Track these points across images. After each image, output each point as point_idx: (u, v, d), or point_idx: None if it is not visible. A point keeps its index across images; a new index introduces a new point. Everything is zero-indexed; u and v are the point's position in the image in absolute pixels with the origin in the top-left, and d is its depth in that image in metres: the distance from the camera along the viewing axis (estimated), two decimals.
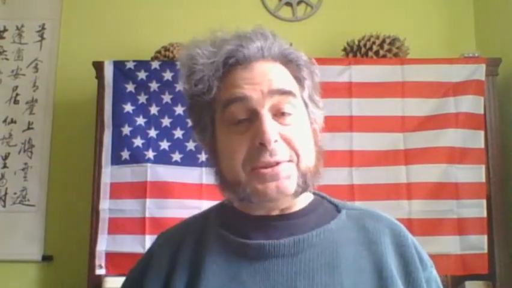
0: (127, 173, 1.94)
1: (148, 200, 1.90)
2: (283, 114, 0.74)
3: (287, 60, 0.79)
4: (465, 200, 1.90)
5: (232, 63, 0.76)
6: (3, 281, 2.24)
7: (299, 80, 0.79)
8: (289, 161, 0.73)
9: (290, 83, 0.77)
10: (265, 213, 0.78)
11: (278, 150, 0.72)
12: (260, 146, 0.72)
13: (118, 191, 1.93)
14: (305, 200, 0.81)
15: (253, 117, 0.73)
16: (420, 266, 0.77)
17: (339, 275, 0.72)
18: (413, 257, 0.77)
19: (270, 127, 0.72)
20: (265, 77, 0.75)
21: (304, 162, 0.75)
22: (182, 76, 0.79)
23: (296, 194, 0.75)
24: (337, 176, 1.90)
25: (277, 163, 0.72)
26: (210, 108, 0.78)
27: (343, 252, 0.75)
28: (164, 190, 1.91)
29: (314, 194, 0.84)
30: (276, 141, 0.72)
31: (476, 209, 1.89)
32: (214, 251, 0.76)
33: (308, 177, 0.75)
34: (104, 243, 1.90)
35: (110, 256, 1.88)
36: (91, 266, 1.89)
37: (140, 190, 1.91)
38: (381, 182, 1.91)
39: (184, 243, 0.80)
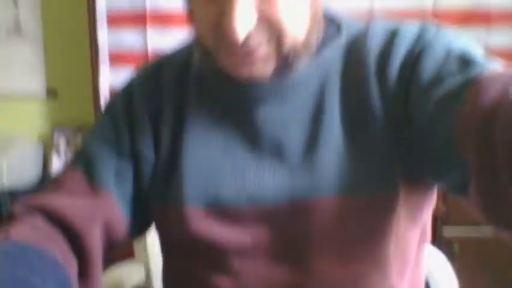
0: (125, 0, 1.80)
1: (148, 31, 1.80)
2: None
3: None
4: None
5: None
6: (6, 118, 2.17)
7: None
8: (268, 40, 0.56)
9: None
10: None
11: (253, 37, 0.54)
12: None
13: (116, 20, 1.81)
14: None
15: None
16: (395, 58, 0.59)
17: (324, 123, 0.61)
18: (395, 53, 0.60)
19: (241, 20, 0.52)
20: None
21: (289, 41, 0.57)
22: None
23: (277, 75, 0.60)
24: None
25: (252, 51, 0.55)
26: None
27: (331, 91, 0.62)
28: (165, 19, 1.78)
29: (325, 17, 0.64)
30: (250, 28, 0.54)
31: None
32: (197, 100, 0.65)
33: (293, 55, 0.58)
34: (106, 76, 1.84)
35: (114, 92, 1.83)
36: (96, 100, 1.85)
37: (139, 20, 1.79)
38: None
39: (165, 86, 0.67)
